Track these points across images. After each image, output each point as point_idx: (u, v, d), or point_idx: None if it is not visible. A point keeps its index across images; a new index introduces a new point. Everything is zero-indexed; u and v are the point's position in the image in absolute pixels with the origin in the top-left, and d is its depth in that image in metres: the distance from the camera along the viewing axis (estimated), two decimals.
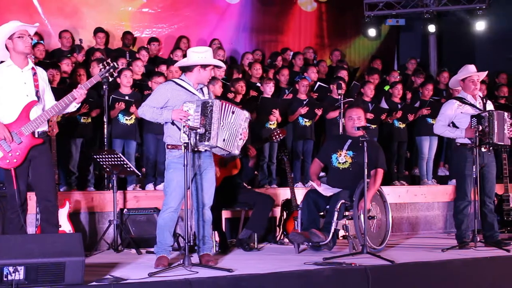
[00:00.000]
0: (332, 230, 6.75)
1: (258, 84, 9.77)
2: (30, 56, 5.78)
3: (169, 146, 5.94)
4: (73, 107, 5.83)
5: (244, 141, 5.98)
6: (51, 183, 5.77)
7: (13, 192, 5.54)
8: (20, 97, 5.56)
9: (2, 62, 5.76)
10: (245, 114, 5.93)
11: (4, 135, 5.44)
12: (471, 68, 7.48)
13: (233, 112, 5.82)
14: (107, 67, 5.83)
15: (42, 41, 10.14)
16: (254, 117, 9.06)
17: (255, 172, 9.19)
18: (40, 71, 5.81)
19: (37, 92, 5.63)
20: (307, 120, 9.44)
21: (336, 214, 6.76)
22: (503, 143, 7.29)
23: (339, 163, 7.17)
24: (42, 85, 5.73)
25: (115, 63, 5.87)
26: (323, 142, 9.96)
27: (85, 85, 5.73)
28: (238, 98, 8.85)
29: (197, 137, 5.69)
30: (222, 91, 8.47)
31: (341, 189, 6.98)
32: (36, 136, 5.58)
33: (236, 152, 5.97)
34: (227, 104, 5.84)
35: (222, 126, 5.77)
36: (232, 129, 5.82)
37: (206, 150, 5.95)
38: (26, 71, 5.64)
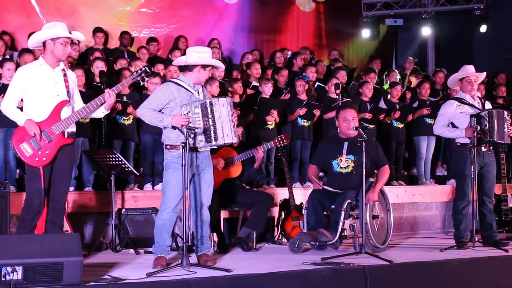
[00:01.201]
0: (339, 230, 6.76)
1: (255, 83, 9.76)
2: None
3: (168, 146, 5.94)
4: (101, 113, 5.88)
5: (236, 124, 6.01)
6: (67, 186, 5.84)
7: (33, 191, 5.56)
8: (51, 96, 5.62)
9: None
10: (228, 100, 5.93)
11: (35, 132, 5.47)
12: (470, 68, 7.50)
13: (223, 105, 5.84)
14: (139, 71, 5.87)
15: None
16: (252, 117, 9.06)
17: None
18: (70, 73, 5.89)
19: (68, 93, 5.70)
20: (306, 120, 9.43)
21: (343, 213, 6.76)
22: (503, 142, 7.30)
23: (341, 168, 7.14)
24: (72, 86, 5.78)
25: (147, 68, 5.91)
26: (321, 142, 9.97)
27: (117, 87, 5.77)
28: (236, 98, 8.84)
29: (203, 138, 5.72)
30: (219, 91, 8.47)
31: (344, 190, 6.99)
32: (66, 136, 5.63)
33: (236, 140, 5.99)
34: (217, 100, 5.86)
35: (222, 122, 5.79)
36: (228, 121, 5.84)
37: (210, 149, 6.00)
38: (57, 71, 5.71)
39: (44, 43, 5.69)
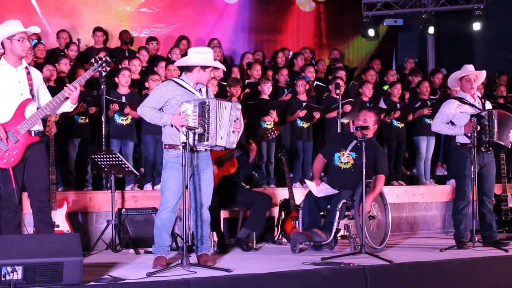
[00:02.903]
0: (334, 230, 6.76)
1: (250, 81, 9.75)
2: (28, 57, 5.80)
3: (166, 146, 5.94)
4: (68, 107, 5.82)
5: (239, 133, 5.98)
6: (45, 183, 5.76)
7: (9, 192, 5.53)
8: (15, 96, 5.56)
9: None
10: (236, 105, 5.93)
11: (0, 136, 5.44)
12: (469, 67, 7.51)
13: (225, 108, 5.83)
14: (100, 62, 5.81)
15: (42, 41, 10.14)
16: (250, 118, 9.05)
17: (253, 172, 9.20)
18: (34, 70, 5.82)
19: (31, 91, 5.62)
20: (305, 122, 9.42)
21: (337, 213, 6.77)
22: (503, 144, 7.27)
23: (341, 162, 7.17)
24: (37, 84, 5.72)
25: (107, 57, 5.86)
26: (321, 142, 9.97)
27: (78, 80, 5.71)
28: (234, 100, 8.80)
29: (196, 137, 5.71)
30: (217, 90, 8.48)
31: (340, 189, 6.99)
32: (33, 134, 5.58)
33: (233, 146, 5.99)
34: (220, 101, 5.85)
35: (219, 124, 5.78)
36: (226, 125, 5.84)
37: (206, 150, 5.97)
38: (20, 70, 5.64)
39: (2, 44, 5.63)
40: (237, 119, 5.90)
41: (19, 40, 5.57)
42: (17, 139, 5.50)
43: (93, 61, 5.83)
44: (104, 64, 5.84)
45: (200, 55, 5.94)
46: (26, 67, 5.70)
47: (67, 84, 5.73)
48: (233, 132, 5.89)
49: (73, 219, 7.20)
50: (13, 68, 5.62)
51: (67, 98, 5.67)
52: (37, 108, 5.65)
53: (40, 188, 5.67)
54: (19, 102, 5.56)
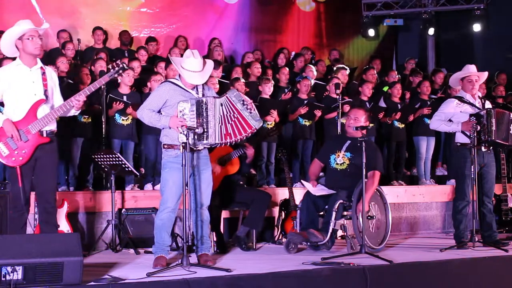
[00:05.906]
0: (330, 230, 6.76)
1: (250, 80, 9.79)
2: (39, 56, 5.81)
3: (165, 146, 5.95)
4: (72, 113, 5.85)
5: (254, 110, 5.86)
6: (53, 184, 5.79)
7: (17, 191, 5.55)
8: (28, 96, 5.59)
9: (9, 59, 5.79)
10: (233, 92, 5.89)
11: (12, 133, 5.46)
12: (471, 68, 7.51)
13: (221, 105, 5.82)
14: (116, 68, 5.83)
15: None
16: None
17: (253, 171, 9.20)
18: (49, 71, 5.85)
19: (45, 91, 5.65)
20: (307, 120, 9.43)
21: (334, 214, 6.77)
22: (502, 142, 7.28)
23: (337, 164, 7.18)
24: (51, 85, 5.75)
25: (124, 64, 5.88)
26: (322, 142, 9.97)
27: (89, 89, 5.71)
28: None
29: (196, 137, 5.71)
30: (218, 89, 8.47)
31: (337, 190, 6.99)
32: (44, 135, 5.60)
33: (258, 125, 5.85)
34: (216, 99, 5.83)
35: (219, 123, 5.77)
36: (230, 119, 5.81)
37: (205, 148, 5.96)
38: (34, 70, 5.67)
39: (16, 46, 5.65)
40: (243, 101, 5.83)
41: (29, 39, 5.59)
42: (27, 138, 5.52)
43: (110, 67, 5.86)
44: (120, 71, 5.86)
45: (190, 73, 5.88)
46: (42, 67, 5.73)
47: (77, 94, 5.69)
48: (250, 113, 5.78)
49: (74, 219, 7.20)
50: (28, 68, 5.65)
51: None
52: (51, 109, 5.67)
53: (46, 188, 5.69)
54: (32, 102, 5.58)
